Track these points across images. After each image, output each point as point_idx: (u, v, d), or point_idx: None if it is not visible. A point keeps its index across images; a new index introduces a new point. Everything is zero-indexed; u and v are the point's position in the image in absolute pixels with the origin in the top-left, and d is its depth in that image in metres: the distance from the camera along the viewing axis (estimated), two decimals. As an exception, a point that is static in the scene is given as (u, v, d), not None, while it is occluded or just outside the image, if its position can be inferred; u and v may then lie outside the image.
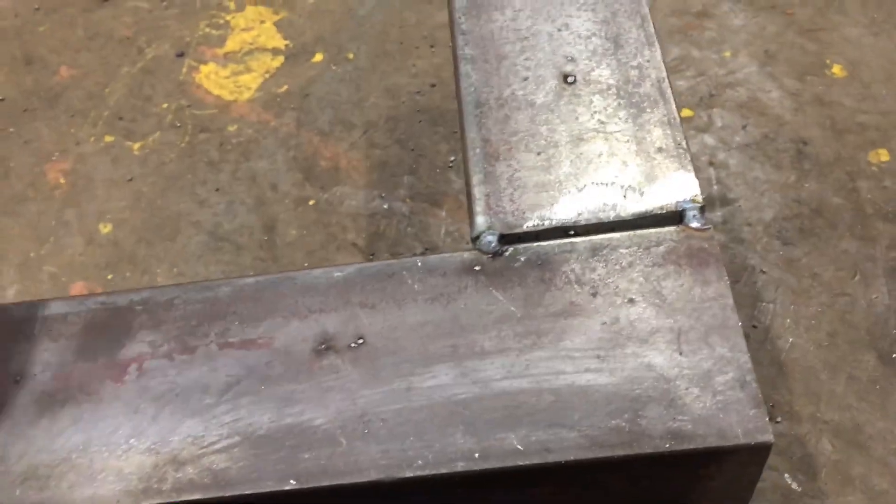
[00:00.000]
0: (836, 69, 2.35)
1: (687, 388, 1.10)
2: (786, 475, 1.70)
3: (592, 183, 1.29)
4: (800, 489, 1.68)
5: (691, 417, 1.08)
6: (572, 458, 1.07)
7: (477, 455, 1.08)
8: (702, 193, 1.27)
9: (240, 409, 1.14)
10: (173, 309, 1.24)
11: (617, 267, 1.21)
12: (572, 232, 1.25)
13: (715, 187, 2.13)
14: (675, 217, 1.25)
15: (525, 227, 1.26)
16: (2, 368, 1.19)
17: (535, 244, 1.25)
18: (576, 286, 1.20)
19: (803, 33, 2.43)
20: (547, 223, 1.26)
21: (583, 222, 1.26)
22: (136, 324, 1.23)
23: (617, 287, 1.19)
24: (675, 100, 1.37)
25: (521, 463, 1.07)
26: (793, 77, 2.34)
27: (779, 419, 1.76)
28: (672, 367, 1.12)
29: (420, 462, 1.08)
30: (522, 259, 1.24)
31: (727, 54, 2.41)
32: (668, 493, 1.20)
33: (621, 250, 1.23)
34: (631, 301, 1.18)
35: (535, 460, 1.07)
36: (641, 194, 1.27)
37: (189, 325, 1.22)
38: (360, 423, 1.11)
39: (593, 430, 1.08)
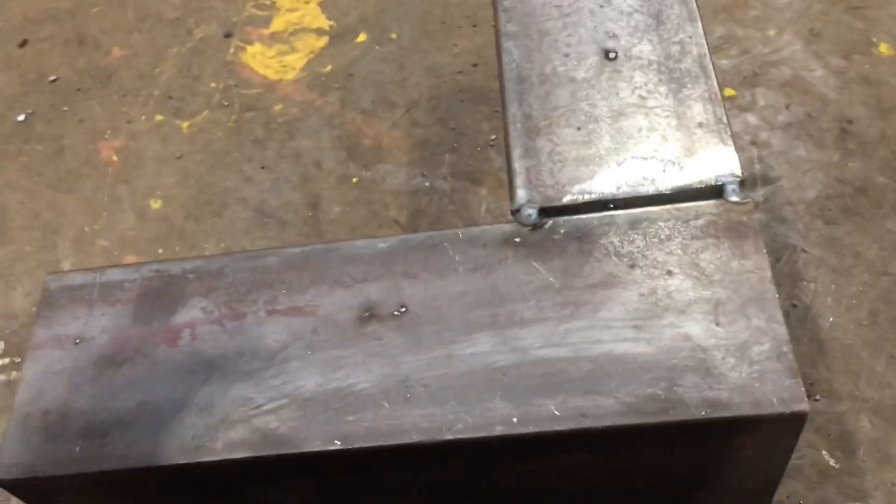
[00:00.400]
0: (883, 47, 2.32)
1: (723, 358, 1.12)
2: (824, 452, 1.70)
3: (632, 157, 1.31)
4: (838, 466, 1.69)
5: (727, 386, 1.10)
6: (608, 423, 1.09)
7: (515, 420, 1.11)
8: (744, 172, 1.27)
9: (287, 373, 1.19)
10: (224, 277, 1.29)
11: (655, 239, 1.23)
12: (612, 205, 1.27)
13: (757, 166, 2.13)
14: (714, 191, 1.26)
15: (565, 200, 1.28)
16: (64, 331, 1.25)
17: (575, 217, 1.27)
18: (614, 258, 1.22)
19: (850, 11, 2.40)
20: (586, 196, 1.28)
21: (622, 196, 1.27)
22: (189, 291, 1.28)
23: (655, 259, 1.21)
24: (716, 76, 1.37)
25: (558, 428, 1.10)
26: (838, 55, 2.32)
27: (818, 397, 1.76)
28: (709, 338, 1.13)
29: (460, 426, 1.12)
30: (562, 231, 1.26)
31: (772, 33, 2.39)
32: (702, 463, 1.22)
33: (660, 223, 1.24)
34: (669, 273, 1.20)
35: (572, 425, 1.10)
36: (681, 168, 1.28)
37: (238, 293, 1.27)
38: (403, 388, 1.15)
39: (630, 398, 1.11)
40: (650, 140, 1.32)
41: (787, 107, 2.23)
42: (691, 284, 1.18)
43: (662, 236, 1.23)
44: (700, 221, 1.24)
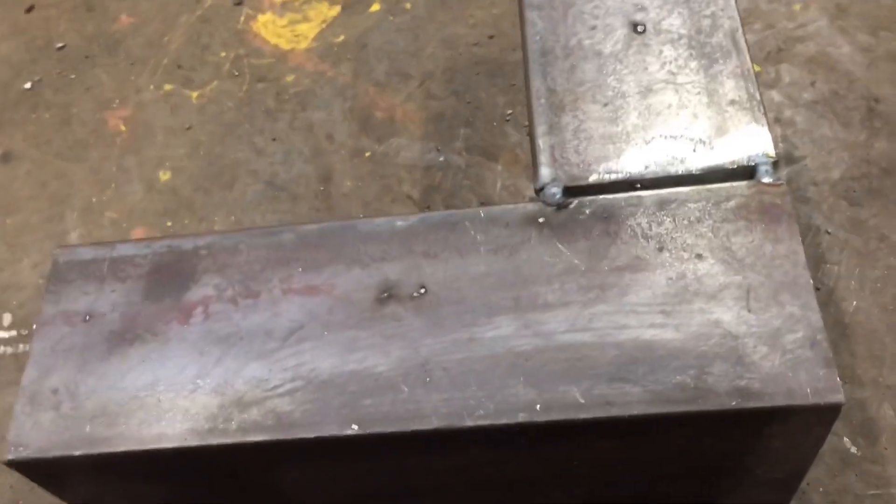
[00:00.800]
0: (913, 24, 2.25)
1: (755, 346, 1.08)
2: (846, 439, 1.67)
3: (661, 135, 1.26)
4: (859, 453, 1.65)
5: (759, 375, 1.06)
6: (635, 412, 1.06)
7: (538, 406, 1.08)
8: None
9: (303, 354, 1.15)
10: (237, 254, 1.25)
11: (685, 221, 1.19)
12: (639, 185, 1.23)
13: (781, 145, 2.07)
14: (746, 172, 1.22)
15: (590, 179, 1.24)
16: (73, 307, 1.21)
17: (601, 197, 1.23)
18: (642, 240, 1.18)
19: (879, -14, 2.33)
20: (613, 176, 1.24)
21: (650, 175, 1.23)
22: (201, 267, 1.24)
23: (684, 242, 1.17)
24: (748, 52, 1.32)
25: (582, 416, 1.07)
26: (865, 32, 2.25)
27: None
28: (740, 325, 1.09)
29: (481, 412, 1.08)
30: (587, 211, 1.22)
31: (797, 7, 2.33)
32: (729, 453, 1.19)
33: (690, 205, 1.20)
34: (699, 256, 1.15)
35: (598, 414, 1.06)
36: (712, 148, 1.24)
37: (253, 270, 1.23)
38: (422, 372, 1.12)
39: (657, 386, 1.07)
40: (680, 117, 1.27)
41: (813, 84, 2.17)
42: (722, 269, 1.14)
43: (692, 218, 1.19)
44: (731, 203, 1.19)
